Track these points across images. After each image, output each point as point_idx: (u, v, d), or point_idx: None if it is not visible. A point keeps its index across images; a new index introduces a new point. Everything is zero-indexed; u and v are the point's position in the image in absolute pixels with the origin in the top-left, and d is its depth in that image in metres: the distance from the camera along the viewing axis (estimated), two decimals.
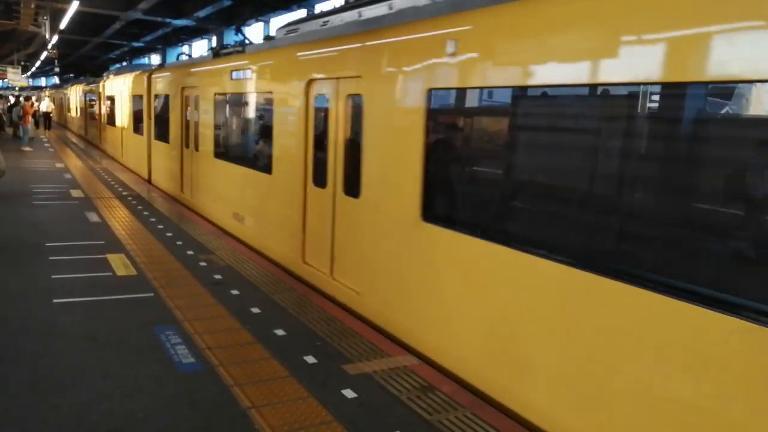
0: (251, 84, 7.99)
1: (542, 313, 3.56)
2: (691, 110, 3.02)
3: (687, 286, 2.88)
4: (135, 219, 9.34)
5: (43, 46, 29.55)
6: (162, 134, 12.52)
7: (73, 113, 30.97)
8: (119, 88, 17.30)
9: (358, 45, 5.55)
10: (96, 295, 5.66)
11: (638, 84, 3.09)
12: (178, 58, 17.37)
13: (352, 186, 5.57)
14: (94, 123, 22.75)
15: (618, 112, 3.35)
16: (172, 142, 11.77)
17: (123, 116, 16.90)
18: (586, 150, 3.50)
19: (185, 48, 34.25)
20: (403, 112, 4.81)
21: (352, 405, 3.81)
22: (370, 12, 6.00)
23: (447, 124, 4.78)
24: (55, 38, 26.25)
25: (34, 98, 32.57)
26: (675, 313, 2.87)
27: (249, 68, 8.00)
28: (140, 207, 10.42)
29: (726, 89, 2.84)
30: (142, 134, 14.30)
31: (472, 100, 4.32)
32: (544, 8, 3.63)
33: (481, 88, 4.14)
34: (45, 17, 21.66)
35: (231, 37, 26.19)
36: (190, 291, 5.93)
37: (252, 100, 8.23)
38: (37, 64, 44.48)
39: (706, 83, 2.84)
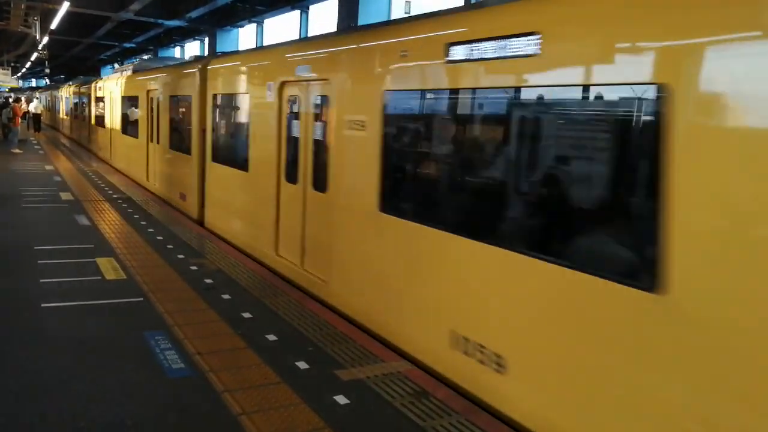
0: None
1: None
2: None
3: None
4: (125, 222, 9.24)
5: (34, 46, 29.36)
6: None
7: (66, 116, 29.86)
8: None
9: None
10: (85, 300, 5.57)
11: None
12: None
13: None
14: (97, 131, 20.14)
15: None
16: None
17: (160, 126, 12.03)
18: None
19: (177, 50, 34.09)
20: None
21: (345, 411, 3.76)
22: None
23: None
24: (46, 39, 26.06)
25: (24, 99, 32.28)
26: None
27: None
28: (130, 210, 10.32)
29: None
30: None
31: None
32: None
33: None
34: (35, 18, 21.52)
35: (225, 39, 26.12)
36: (180, 295, 5.86)
37: None
38: (28, 65, 44.14)
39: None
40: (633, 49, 3.11)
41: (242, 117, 8.16)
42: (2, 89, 41.58)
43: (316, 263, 6.13)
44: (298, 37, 16.68)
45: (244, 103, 8.00)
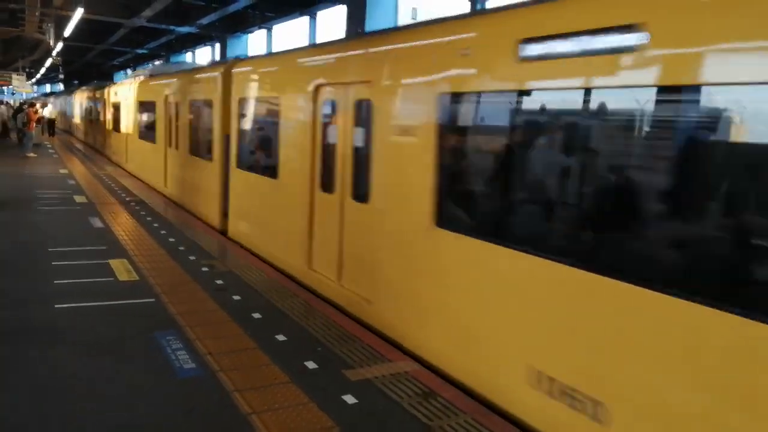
0: None
1: None
2: None
3: None
4: (138, 224, 9.36)
5: (48, 53, 29.73)
6: None
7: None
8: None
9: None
10: (98, 301, 5.66)
11: None
12: None
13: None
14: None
15: None
16: None
17: None
18: None
19: (188, 55, 34.40)
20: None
21: (353, 411, 3.80)
22: None
23: None
24: (60, 45, 26.39)
25: (38, 104, 32.69)
26: None
27: None
28: (143, 212, 10.44)
29: None
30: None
31: None
32: None
33: None
34: (49, 24, 21.79)
35: (236, 45, 26.35)
36: (191, 296, 5.93)
37: None
38: (42, 71, 44.72)
39: None
40: None
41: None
42: (20, 94, 42.12)
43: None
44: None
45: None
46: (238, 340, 4.87)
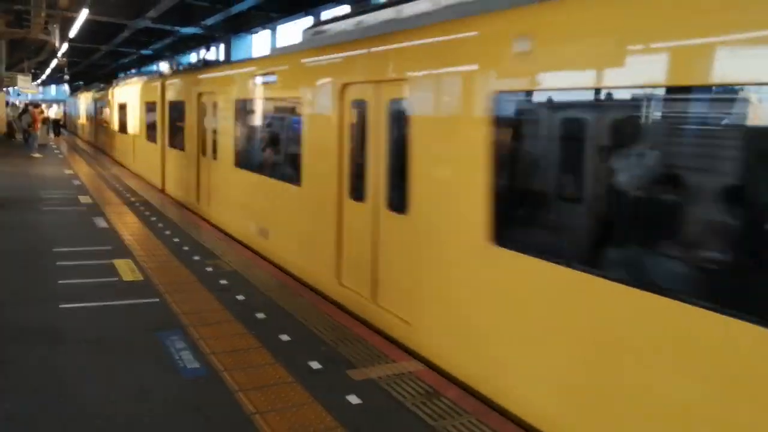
0: None
1: None
2: None
3: None
4: (142, 224, 9.38)
5: (53, 54, 29.85)
6: None
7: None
8: None
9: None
10: (102, 300, 5.68)
11: None
12: None
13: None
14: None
15: None
16: None
17: None
18: None
19: (193, 56, 34.47)
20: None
21: (357, 411, 3.79)
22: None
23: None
24: (65, 46, 26.50)
25: (43, 105, 32.84)
26: None
27: None
28: (148, 213, 10.47)
29: None
30: None
31: None
32: None
33: None
34: (55, 25, 21.87)
35: (240, 45, 26.39)
36: (195, 296, 5.94)
37: None
38: (47, 71, 44.91)
39: None
40: None
41: None
42: (26, 95, 42.27)
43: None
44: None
45: None
46: (242, 339, 4.87)
